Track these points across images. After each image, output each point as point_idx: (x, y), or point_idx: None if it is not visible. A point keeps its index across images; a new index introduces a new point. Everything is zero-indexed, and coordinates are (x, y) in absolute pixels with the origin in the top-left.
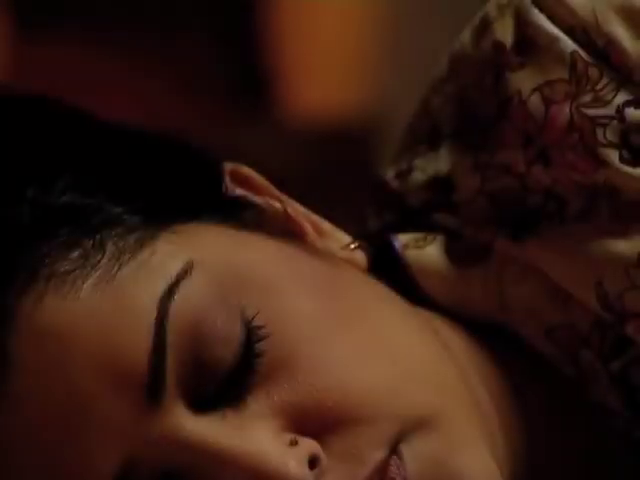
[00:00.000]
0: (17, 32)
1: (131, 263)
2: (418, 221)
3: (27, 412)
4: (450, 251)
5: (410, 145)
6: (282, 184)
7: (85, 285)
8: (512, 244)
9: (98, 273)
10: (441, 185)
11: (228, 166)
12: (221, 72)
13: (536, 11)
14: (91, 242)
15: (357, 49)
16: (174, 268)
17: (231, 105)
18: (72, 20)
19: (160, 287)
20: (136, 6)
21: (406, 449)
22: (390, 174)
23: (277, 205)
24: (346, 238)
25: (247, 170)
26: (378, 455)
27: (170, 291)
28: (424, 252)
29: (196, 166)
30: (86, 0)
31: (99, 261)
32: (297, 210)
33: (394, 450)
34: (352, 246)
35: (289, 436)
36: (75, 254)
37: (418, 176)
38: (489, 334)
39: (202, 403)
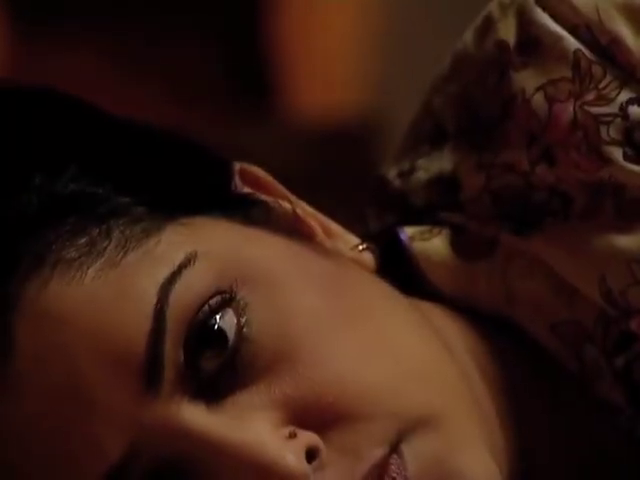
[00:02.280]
0: (16, 32)
1: (136, 251)
2: (421, 219)
3: (28, 399)
4: (456, 244)
5: (412, 145)
6: (283, 184)
7: (90, 270)
8: (518, 239)
9: (103, 259)
10: (446, 184)
11: (237, 165)
12: (221, 72)
13: (539, 10)
14: (98, 230)
15: (357, 49)
16: (177, 257)
17: (231, 106)
18: (72, 20)
19: (162, 274)
20: (136, 6)
21: (407, 448)
22: (392, 174)
23: (286, 205)
24: (354, 239)
25: (256, 170)
26: (377, 452)
27: (172, 278)
28: (430, 243)
29: (204, 160)
30: (86, 0)
31: (105, 248)
32: (306, 210)
33: (395, 449)
34: (360, 247)
35: (288, 429)
36: (82, 241)
37: (421, 176)
38: (493, 328)
39: (202, 393)
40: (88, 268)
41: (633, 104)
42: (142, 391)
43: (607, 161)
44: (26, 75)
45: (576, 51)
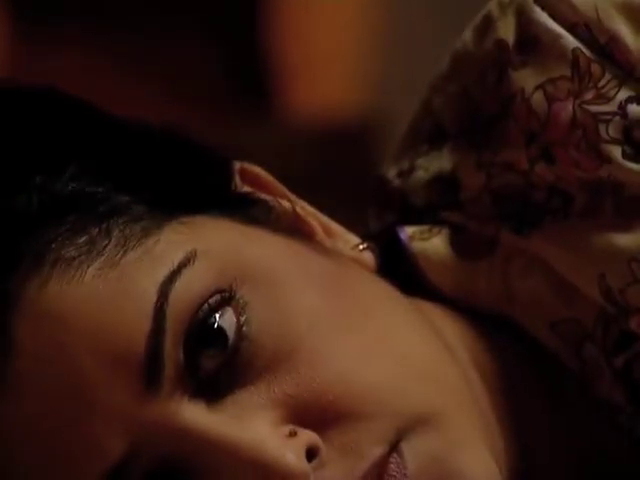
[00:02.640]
0: (16, 32)
1: (136, 250)
2: (421, 219)
3: (28, 399)
4: (455, 243)
5: (412, 145)
6: (283, 184)
7: (89, 269)
8: (517, 237)
9: (103, 258)
10: (445, 184)
11: (237, 164)
12: (221, 72)
13: (538, 9)
14: (97, 229)
15: (357, 49)
16: (177, 256)
17: (231, 105)
18: (72, 20)
19: (162, 273)
20: (136, 6)
21: (406, 447)
22: (392, 173)
23: (286, 204)
24: (354, 239)
25: (256, 169)
26: (377, 451)
27: (171, 277)
28: (430, 243)
29: (204, 159)
30: (86, 0)
31: (105, 247)
32: (306, 209)
33: (395, 448)
34: (361, 247)
35: (288, 427)
36: (82, 240)
37: (421, 175)
38: (493, 327)
39: (202, 392)
40: (88, 267)
41: (632, 102)
42: (142, 390)
43: (606, 159)
44: (26, 75)
45: (575, 49)
